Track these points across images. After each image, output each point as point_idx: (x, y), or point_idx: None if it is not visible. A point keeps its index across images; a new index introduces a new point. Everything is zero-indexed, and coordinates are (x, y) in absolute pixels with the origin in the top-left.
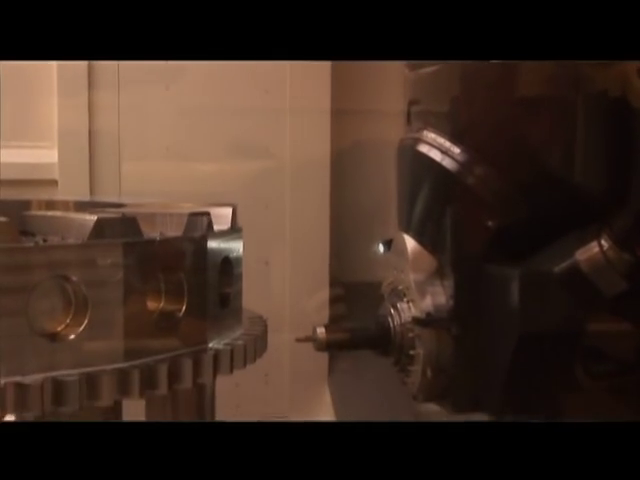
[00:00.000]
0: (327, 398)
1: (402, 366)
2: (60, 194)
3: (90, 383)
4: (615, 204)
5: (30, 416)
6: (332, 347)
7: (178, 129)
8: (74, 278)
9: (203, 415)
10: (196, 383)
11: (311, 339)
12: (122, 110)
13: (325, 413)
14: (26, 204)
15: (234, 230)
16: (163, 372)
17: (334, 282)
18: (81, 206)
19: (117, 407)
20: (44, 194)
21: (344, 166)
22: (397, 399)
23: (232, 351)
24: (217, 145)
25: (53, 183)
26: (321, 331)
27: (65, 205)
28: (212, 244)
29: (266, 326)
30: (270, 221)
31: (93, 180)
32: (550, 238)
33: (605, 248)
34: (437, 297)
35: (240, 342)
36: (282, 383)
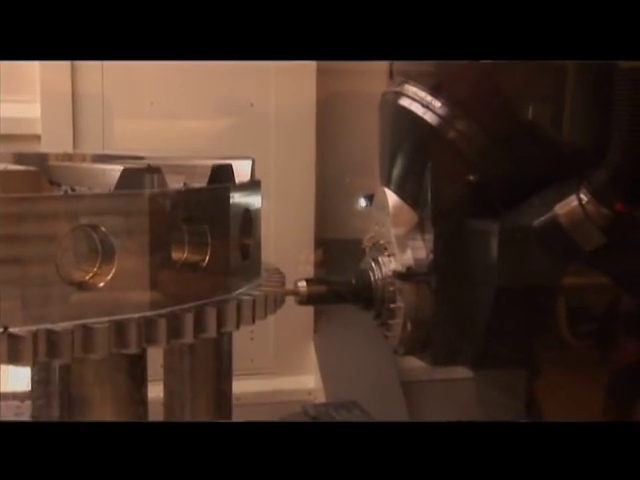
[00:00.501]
0: (312, 355)
1: (383, 320)
2: (42, 149)
3: (118, 331)
4: (594, 158)
5: (59, 362)
6: (313, 300)
7: (163, 85)
8: (102, 227)
9: (220, 368)
10: (220, 332)
11: (293, 292)
12: (106, 65)
13: (309, 369)
14: (44, 157)
15: (254, 182)
16: (189, 321)
17: (319, 237)
18: (99, 159)
19: (142, 358)
20: (26, 149)
21: (329, 122)
22: (380, 357)
23: (254, 301)
24: (201, 101)
25: (35, 138)
26: (302, 285)
27: (82, 158)
28: (234, 196)
29: (284, 278)
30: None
31: (77, 136)
32: (530, 193)
33: (584, 202)
34: (417, 251)
35: (261, 293)
36: (267, 340)
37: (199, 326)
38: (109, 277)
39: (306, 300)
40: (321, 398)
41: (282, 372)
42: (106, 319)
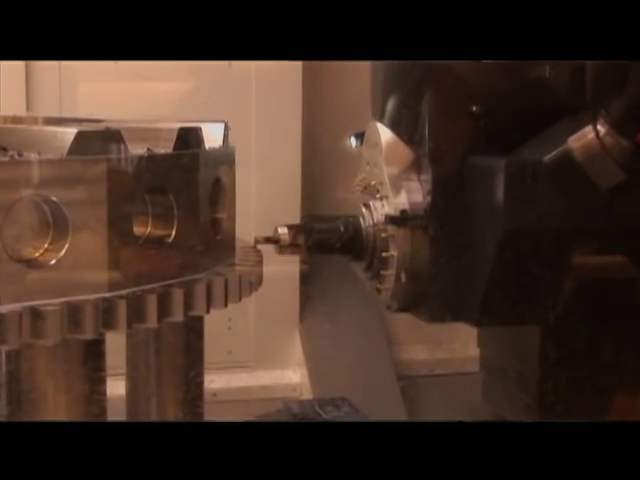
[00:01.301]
0: (297, 346)
1: (375, 271)
2: None
3: (72, 313)
4: (613, 84)
5: (6, 348)
6: (296, 249)
7: None
8: (53, 198)
9: (191, 358)
10: (188, 316)
11: (272, 240)
12: None
13: (294, 362)
14: None
15: (227, 149)
16: (152, 303)
17: (306, 213)
18: (52, 122)
19: (100, 345)
20: None
21: (317, 79)
22: (374, 348)
23: (226, 282)
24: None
25: None
26: (283, 231)
27: (34, 121)
28: (204, 163)
29: (261, 257)
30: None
31: (30, 99)
32: (540, 125)
33: (601, 134)
34: (413, 193)
35: (235, 273)
36: (247, 329)
37: (164, 309)
38: (62, 254)
39: (287, 249)
40: (308, 394)
41: (264, 365)
42: (58, 301)
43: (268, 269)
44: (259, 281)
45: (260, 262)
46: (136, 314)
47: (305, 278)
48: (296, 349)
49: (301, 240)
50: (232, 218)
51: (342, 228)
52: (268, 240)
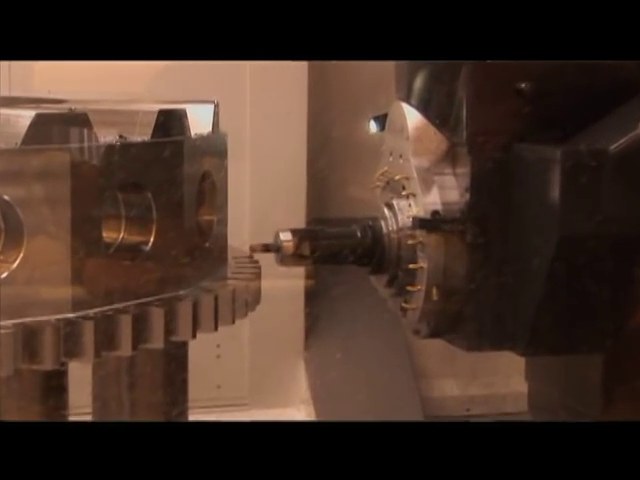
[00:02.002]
0: (302, 379)
1: (399, 287)
2: None
3: (27, 338)
4: None
5: None
6: (301, 260)
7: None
8: (5, 197)
9: (171, 393)
10: (169, 341)
11: (272, 248)
12: None
13: (298, 402)
14: None
15: (218, 135)
16: (125, 325)
17: (313, 216)
18: (4, 102)
19: (62, 377)
20: None
21: None
22: (396, 382)
23: (216, 299)
24: None
25: None
26: (286, 237)
27: None
28: (190, 153)
29: (259, 269)
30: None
31: None
32: (605, 106)
33: None
34: (447, 190)
35: (227, 288)
36: (240, 358)
37: (140, 333)
38: (15, 265)
39: (291, 259)
40: None
41: (261, 403)
42: (10, 322)
43: (267, 284)
44: (256, 299)
45: (258, 275)
46: (106, 339)
47: (311, 296)
48: (300, 383)
49: (307, 249)
50: (224, 221)
51: (359, 234)
52: (267, 248)
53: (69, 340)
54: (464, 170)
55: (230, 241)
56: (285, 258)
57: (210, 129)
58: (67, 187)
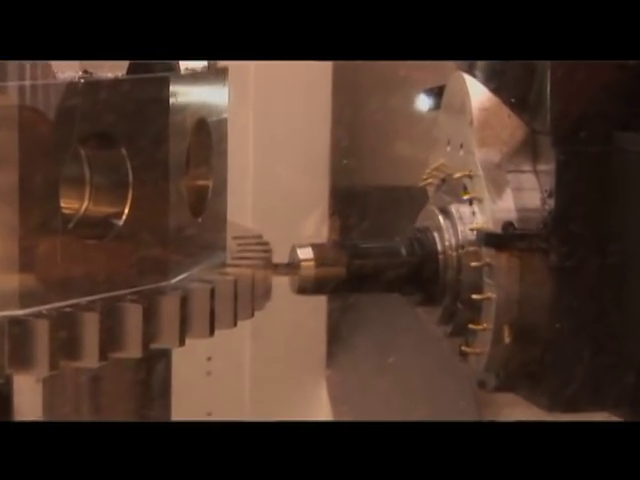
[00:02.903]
0: (323, 406)
1: (458, 324)
2: None
3: None
4: None
5: None
6: (326, 285)
7: None
8: None
9: (147, 417)
10: (147, 350)
11: (288, 270)
12: None
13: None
14: None
15: (217, 72)
16: (91, 327)
17: (339, 185)
18: None
19: (3, 394)
20: None
21: None
22: (456, 411)
23: (212, 293)
24: None
25: None
26: (306, 255)
27: None
28: (177, 94)
29: (270, 252)
30: None
31: None
32: None
33: None
34: (525, 193)
35: (227, 278)
36: (239, 374)
37: (111, 338)
38: None
39: (312, 285)
40: None
41: None
42: None
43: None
44: (266, 293)
45: (268, 262)
46: (65, 345)
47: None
48: (320, 412)
49: (335, 270)
50: (222, 189)
51: (403, 250)
52: (279, 270)
53: (16, 346)
54: (548, 166)
55: (231, 216)
56: (304, 284)
57: (205, 63)
58: (13, 139)
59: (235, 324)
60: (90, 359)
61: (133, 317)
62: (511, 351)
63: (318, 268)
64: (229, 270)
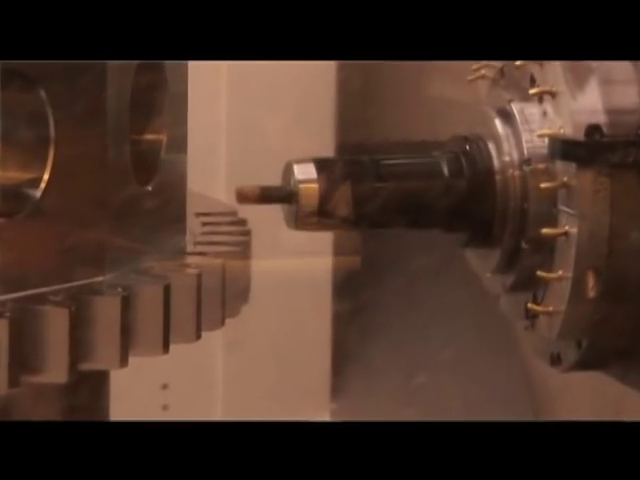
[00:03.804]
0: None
1: (522, 272)
2: None
3: None
4: None
5: None
6: (333, 219)
7: None
8: None
9: None
10: (76, 372)
11: (278, 195)
12: None
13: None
14: None
15: None
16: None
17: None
18: None
19: None
20: None
21: None
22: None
23: (166, 292)
24: None
25: None
26: (306, 173)
27: None
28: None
29: (247, 234)
30: None
31: None
32: None
33: None
34: (617, 87)
35: (188, 271)
36: (205, 407)
37: (25, 354)
38: None
39: (314, 216)
40: None
41: None
42: None
43: (261, 273)
44: (242, 293)
45: (244, 248)
46: None
47: (344, 292)
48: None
49: (345, 199)
50: (181, 144)
51: (445, 169)
52: (269, 195)
53: None
54: None
55: (194, 184)
56: (303, 215)
57: None
58: None
59: (199, 336)
60: None
61: (56, 326)
62: (598, 309)
63: (325, 192)
64: (190, 260)
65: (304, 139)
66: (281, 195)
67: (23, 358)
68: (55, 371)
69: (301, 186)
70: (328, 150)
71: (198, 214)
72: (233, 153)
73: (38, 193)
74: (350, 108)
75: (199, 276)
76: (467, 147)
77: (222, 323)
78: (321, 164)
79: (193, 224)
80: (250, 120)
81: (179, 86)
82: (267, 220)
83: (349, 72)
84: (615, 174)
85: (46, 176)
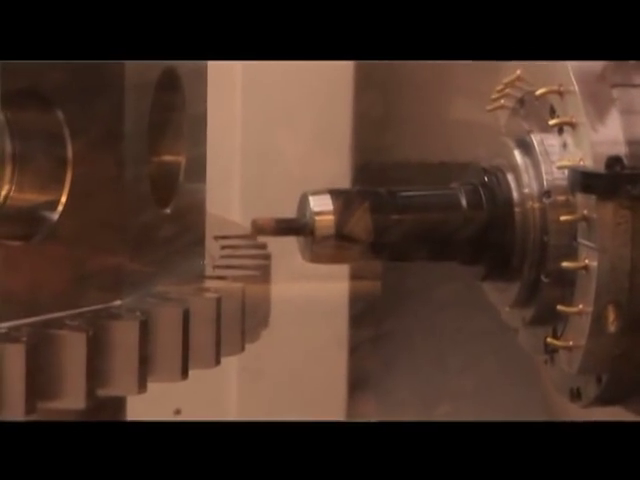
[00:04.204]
0: None
1: (541, 307)
2: None
3: None
4: None
5: None
6: (349, 250)
7: None
8: None
9: None
10: (93, 398)
11: (294, 226)
12: None
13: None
14: None
15: None
16: (12, 365)
17: (364, 161)
18: None
19: None
20: None
21: None
22: None
23: (185, 316)
24: None
25: None
26: (322, 205)
27: None
28: None
29: (268, 258)
30: None
31: None
32: None
33: None
34: (638, 117)
35: (207, 295)
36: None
37: (41, 380)
38: None
39: (330, 247)
40: None
41: None
42: None
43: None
44: (262, 317)
45: (264, 272)
46: None
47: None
48: None
49: (363, 228)
50: (200, 167)
51: (464, 201)
52: (285, 227)
53: None
54: None
55: (213, 207)
56: (319, 246)
57: None
58: None
59: (218, 361)
60: (12, 409)
61: (73, 351)
62: (619, 344)
63: (341, 223)
64: (209, 284)
65: (321, 162)
66: (297, 227)
67: (40, 384)
68: (72, 397)
69: (317, 218)
70: (344, 173)
71: (217, 237)
72: (248, 175)
73: (55, 216)
74: (367, 131)
75: (219, 300)
76: (486, 178)
77: (242, 348)
78: (337, 195)
79: (213, 248)
80: (266, 143)
81: (197, 107)
82: (286, 244)
83: (367, 94)
84: (636, 207)
85: (63, 198)
